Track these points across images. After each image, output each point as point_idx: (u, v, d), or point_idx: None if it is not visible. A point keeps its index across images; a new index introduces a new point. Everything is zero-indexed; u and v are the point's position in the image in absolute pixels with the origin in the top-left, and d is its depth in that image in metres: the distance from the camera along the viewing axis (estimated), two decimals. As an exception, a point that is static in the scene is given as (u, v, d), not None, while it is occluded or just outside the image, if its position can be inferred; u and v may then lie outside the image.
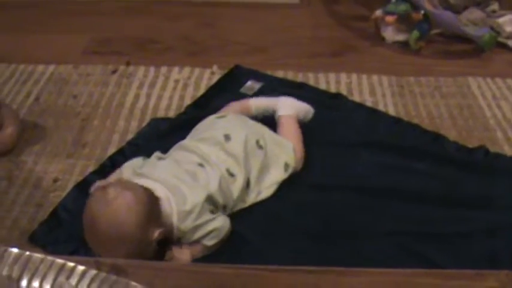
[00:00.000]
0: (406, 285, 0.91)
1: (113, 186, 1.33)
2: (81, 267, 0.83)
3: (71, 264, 0.84)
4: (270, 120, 1.72)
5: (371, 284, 0.91)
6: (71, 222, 1.45)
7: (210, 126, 1.60)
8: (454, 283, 0.94)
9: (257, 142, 1.56)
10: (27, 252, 0.85)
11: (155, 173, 1.40)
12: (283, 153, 1.60)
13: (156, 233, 1.31)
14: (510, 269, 1.01)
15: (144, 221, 1.29)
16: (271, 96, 1.80)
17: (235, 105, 1.77)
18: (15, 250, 0.86)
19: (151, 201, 1.32)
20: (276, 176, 1.57)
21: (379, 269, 0.93)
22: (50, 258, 0.85)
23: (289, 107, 1.73)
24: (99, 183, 1.49)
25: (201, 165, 1.46)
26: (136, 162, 1.51)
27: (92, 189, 1.46)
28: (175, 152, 1.54)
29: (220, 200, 1.43)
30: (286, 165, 1.59)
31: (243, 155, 1.51)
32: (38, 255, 0.85)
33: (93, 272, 0.83)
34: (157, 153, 1.51)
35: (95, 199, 1.31)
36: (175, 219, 1.34)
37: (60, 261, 0.84)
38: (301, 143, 1.66)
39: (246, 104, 1.78)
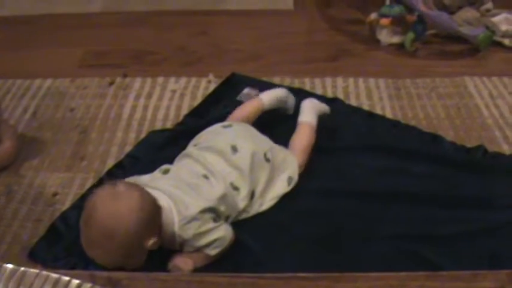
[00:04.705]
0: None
1: (124, 183, 1.35)
2: (75, 281, 0.84)
3: (66, 278, 0.84)
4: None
5: (367, 289, 0.91)
6: (70, 237, 1.45)
7: (216, 136, 1.60)
8: (451, 285, 0.94)
9: (265, 155, 1.56)
10: (22, 268, 0.86)
11: (158, 184, 1.40)
12: (288, 167, 1.60)
13: (150, 242, 1.32)
14: (510, 268, 1.01)
15: (142, 227, 1.30)
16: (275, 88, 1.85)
17: (246, 107, 1.78)
18: (10, 266, 0.86)
19: (154, 210, 1.33)
20: (279, 189, 1.57)
21: (375, 273, 0.92)
22: (44, 273, 0.85)
23: (311, 113, 1.75)
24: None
25: (205, 176, 1.46)
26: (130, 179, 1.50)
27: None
28: (181, 162, 1.54)
29: (223, 209, 1.43)
30: (290, 179, 1.59)
31: (248, 169, 1.51)
32: (32, 271, 0.86)
33: (87, 285, 0.83)
34: (161, 167, 1.51)
35: (102, 190, 1.34)
36: (176, 228, 1.34)
37: (54, 275, 0.85)
38: (307, 154, 1.67)
39: (258, 102, 1.79)
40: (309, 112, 1.75)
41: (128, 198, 1.30)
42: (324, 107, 1.82)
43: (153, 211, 1.33)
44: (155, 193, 1.36)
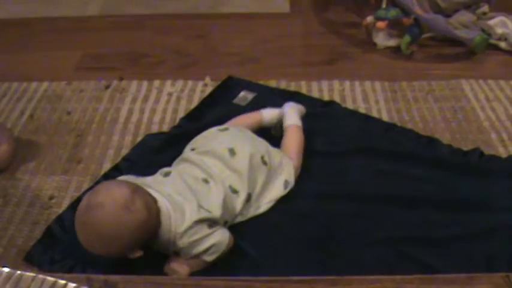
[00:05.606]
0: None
1: (140, 197, 1.31)
2: (72, 285, 0.84)
3: (62, 281, 0.84)
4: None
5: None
6: (67, 240, 1.45)
7: (213, 139, 1.59)
8: (446, 288, 0.94)
9: (262, 158, 1.55)
10: (18, 271, 0.86)
11: (161, 188, 1.40)
12: (284, 170, 1.60)
13: (136, 254, 1.33)
14: (507, 271, 1.01)
15: (136, 243, 1.32)
16: (278, 107, 1.80)
17: (244, 118, 1.76)
18: (6, 269, 0.86)
19: (153, 231, 1.33)
20: (275, 192, 1.57)
21: (371, 276, 0.92)
22: (40, 276, 0.85)
23: (295, 115, 1.75)
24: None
25: (205, 180, 1.46)
26: (130, 178, 1.50)
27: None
28: (180, 166, 1.53)
29: (220, 216, 1.42)
30: (286, 183, 1.59)
31: (247, 171, 1.50)
32: (29, 274, 0.85)
33: (84, 289, 0.83)
34: (162, 170, 1.50)
35: (119, 189, 1.31)
36: (171, 236, 1.34)
37: (51, 279, 0.84)
38: (301, 156, 1.67)
39: (257, 116, 1.77)
40: (292, 114, 1.75)
41: (137, 215, 1.29)
42: (302, 108, 1.81)
43: (153, 233, 1.33)
44: (160, 198, 1.36)
